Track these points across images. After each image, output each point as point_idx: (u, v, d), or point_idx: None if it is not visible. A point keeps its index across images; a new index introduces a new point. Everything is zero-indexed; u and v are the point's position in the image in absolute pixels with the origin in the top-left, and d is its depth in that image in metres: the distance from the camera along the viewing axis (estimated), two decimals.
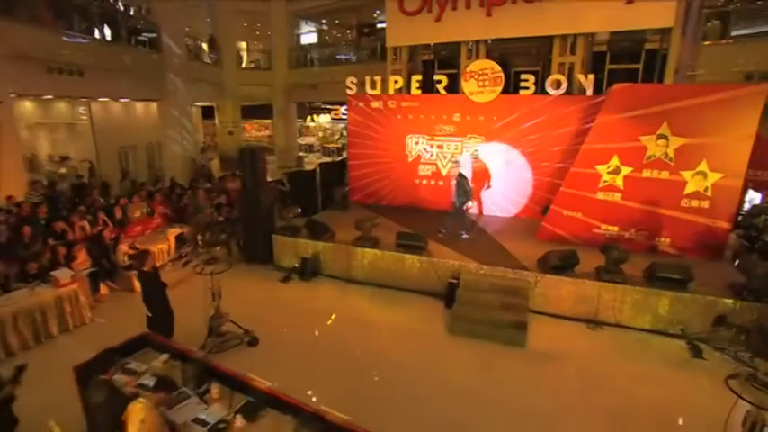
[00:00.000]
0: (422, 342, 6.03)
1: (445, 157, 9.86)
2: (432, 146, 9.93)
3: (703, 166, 6.85)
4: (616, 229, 7.54)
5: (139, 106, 15.72)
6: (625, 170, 7.26)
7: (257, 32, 23.23)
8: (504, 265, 6.75)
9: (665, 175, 7.07)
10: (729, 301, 5.72)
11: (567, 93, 8.92)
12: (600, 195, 7.50)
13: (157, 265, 8.06)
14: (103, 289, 7.17)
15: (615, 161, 7.28)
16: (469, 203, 8.19)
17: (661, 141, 6.97)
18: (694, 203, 7.03)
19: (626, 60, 10.84)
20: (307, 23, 21.35)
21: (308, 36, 23.87)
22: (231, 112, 19.42)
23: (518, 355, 5.69)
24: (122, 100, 14.45)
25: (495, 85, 9.06)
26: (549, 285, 6.44)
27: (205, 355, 5.40)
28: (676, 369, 5.40)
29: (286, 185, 12.20)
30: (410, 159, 10.19)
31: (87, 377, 3.59)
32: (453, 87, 10.03)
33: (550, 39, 10.54)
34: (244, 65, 22.37)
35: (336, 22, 21.11)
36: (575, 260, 6.33)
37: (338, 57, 19.57)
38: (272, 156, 21.41)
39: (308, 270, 7.88)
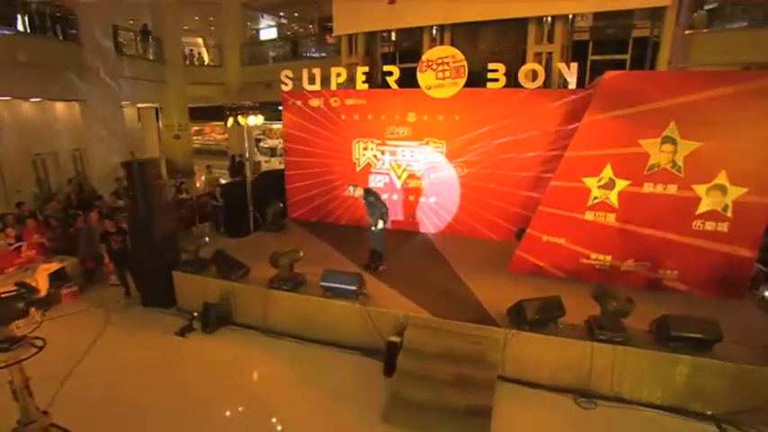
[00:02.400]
0: None
1: (399, 166, 8.08)
2: (383, 152, 8.14)
3: (722, 179, 5.22)
4: (609, 258, 5.87)
5: (60, 107, 13.55)
6: (621, 184, 5.59)
7: (212, 27, 21.25)
8: (463, 317, 4.98)
9: (671, 189, 5.42)
10: None
11: (546, 87, 7.30)
12: (589, 216, 5.81)
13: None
14: None
15: (608, 172, 5.60)
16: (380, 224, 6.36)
17: (667, 146, 5.31)
18: (710, 226, 5.40)
19: (611, 50, 9.35)
20: (263, 17, 19.44)
21: (269, 31, 22.01)
22: (177, 113, 17.31)
23: None
24: (33, 99, 12.31)
25: (457, 77, 7.33)
26: (523, 344, 4.70)
27: None
28: None
29: (219, 200, 10.33)
30: (358, 169, 8.38)
31: None
32: (415, 84, 8.28)
33: (525, 28, 9.00)
34: (206, 62, 20.39)
35: (296, 15, 19.24)
36: (558, 311, 4.61)
37: (304, 53, 17.72)
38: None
39: (213, 319, 5.98)
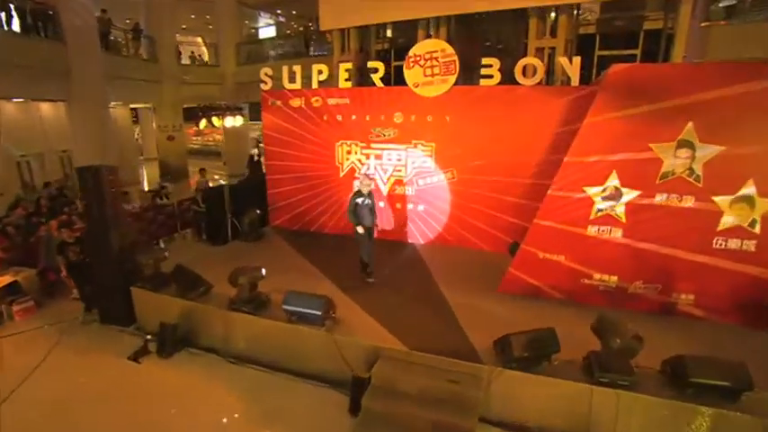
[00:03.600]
0: None
1: (385, 171, 7.42)
2: (368, 156, 7.49)
3: (749, 189, 4.46)
4: (615, 279, 5.13)
5: (46, 107, 13.19)
6: (628, 194, 4.85)
7: (210, 26, 20.86)
8: (442, 349, 4.29)
9: (688, 201, 4.67)
10: None
11: (548, 84, 6.59)
12: (591, 231, 5.08)
13: None
14: None
15: (614, 181, 4.87)
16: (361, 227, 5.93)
17: (683, 151, 4.57)
18: (733, 244, 4.63)
19: (620, 44, 8.62)
20: (260, 15, 18.94)
21: (268, 30, 21.56)
22: (171, 114, 16.89)
23: None
24: (16, 100, 11.94)
25: (447, 74, 6.64)
26: (509, 384, 4.01)
27: None
28: None
29: (201, 205, 9.76)
30: (342, 173, 7.74)
31: None
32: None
33: (526, 21, 8.31)
34: (206, 61, 20.03)
35: (294, 12, 18.70)
36: (551, 347, 3.90)
37: (303, 52, 17.15)
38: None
39: (169, 341, 5.39)
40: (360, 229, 5.89)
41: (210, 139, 25.55)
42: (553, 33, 8.45)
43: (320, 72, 7.48)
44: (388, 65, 10.01)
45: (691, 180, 4.59)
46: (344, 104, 7.40)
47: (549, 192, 5.17)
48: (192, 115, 17.81)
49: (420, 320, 4.94)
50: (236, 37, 17.46)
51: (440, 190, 7.12)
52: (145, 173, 19.02)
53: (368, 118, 7.30)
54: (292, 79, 7.70)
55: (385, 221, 7.39)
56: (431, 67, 6.69)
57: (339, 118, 7.48)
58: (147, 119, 19.93)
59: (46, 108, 13.15)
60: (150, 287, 5.83)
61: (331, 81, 7.94)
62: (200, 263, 6.50)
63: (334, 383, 4.71)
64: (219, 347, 5.39)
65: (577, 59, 6.09)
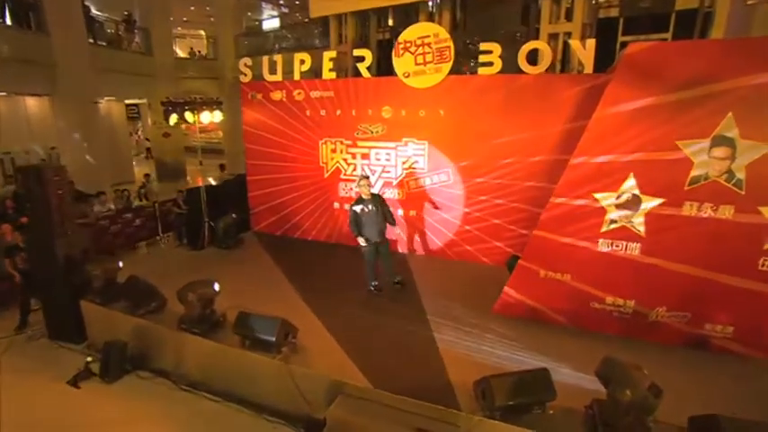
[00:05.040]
0: None
1: (373, 172, 6.65)
2: (353, 155, 6.73)
3: None
4: (632, 304, 4.26)
5: (32, 102, 12.78)
6: (649, 202, 3.99)
7: (212, 19, 20.38)
8: (414, 389, 3.52)
9: (726, 212, 3.78)
10: None
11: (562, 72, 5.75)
12: (603, 246, 4.23)
13: None
14: None
15: (631, 186, 4.01)
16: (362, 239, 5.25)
17: (720, 150, 3.68)
18: None
19: (647, 28, 7.69)
20: (262, 6, 18.33)
21: (272, 23, 20.98)
22: None
23: None
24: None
25: (441, 62, 5.84)
26: None
27: None
28: None
29: (183, 207, 9.15)
30: (327, 174, 7.01)
31: None
32: None
33: (538, 4, 7.51)
34: (206, 55, 19.57)
35: (297, 2, 18.02)
36: (544, 394, 3.10)
37: (308, 44, 16.47)
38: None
39: (114, 363, 4.74)
40: (362, 241, 5.20)
41: (214, 135, 25.16)
42: (568, 17, 7.61)
43: (302, 62, 6.74)
44: (389, 56, 9.27)
45: (730, 186, 3.70)
46: (329, 98, 6.66)
47: (551, 199, 4.33)
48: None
49: (394, 350, 4.18)
50: (237, 29, 16.90)
51: (433, 193, 6.33)
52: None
53: (354, 113, 6.54)
54: (273, 70, 7.00)
55: None
56: (422, 54, 5.90)
57: (323, 113, 6.75)
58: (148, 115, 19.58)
59: (32, 103, 12.75)
60: (100, 301, 5.20)
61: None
62: (167, 271, 5.89)
63: (292, 419, 4.00)
64: (171, 371, 4.72)
65: (592, 42, 5.21)
